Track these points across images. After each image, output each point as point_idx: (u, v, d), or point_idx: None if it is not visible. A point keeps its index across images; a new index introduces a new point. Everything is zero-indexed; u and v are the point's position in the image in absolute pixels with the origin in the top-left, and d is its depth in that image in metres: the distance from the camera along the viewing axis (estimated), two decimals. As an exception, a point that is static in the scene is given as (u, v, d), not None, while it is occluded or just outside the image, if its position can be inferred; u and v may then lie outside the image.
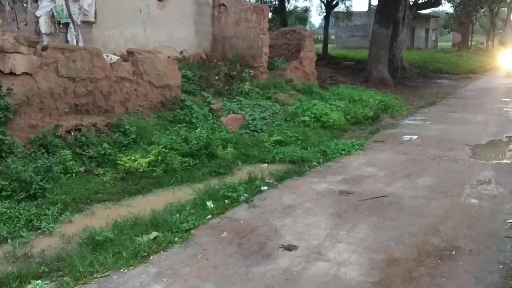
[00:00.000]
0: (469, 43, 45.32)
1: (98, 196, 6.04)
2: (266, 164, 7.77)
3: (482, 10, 43.83)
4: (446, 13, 46.84)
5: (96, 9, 9.46)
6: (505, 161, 8.08)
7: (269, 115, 10.24)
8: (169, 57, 9.98)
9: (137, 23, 10.80)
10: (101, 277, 4.01)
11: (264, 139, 8.83)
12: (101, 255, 4.31)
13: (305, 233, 5.01)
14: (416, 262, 4.37)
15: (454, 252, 4.56)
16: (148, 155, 7.05)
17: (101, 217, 5.35)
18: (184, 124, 8.47)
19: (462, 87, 19.98)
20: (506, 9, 53.13)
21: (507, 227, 5.16)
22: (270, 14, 17.22)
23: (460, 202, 6.00)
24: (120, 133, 7.63)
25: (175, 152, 7.29)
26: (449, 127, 11.08)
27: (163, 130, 8.13)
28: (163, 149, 7.20)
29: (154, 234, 4.79)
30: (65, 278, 3.96)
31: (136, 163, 6.86)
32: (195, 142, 7.64)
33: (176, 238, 4.79)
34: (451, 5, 41.84)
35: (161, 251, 4.53)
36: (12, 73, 6.68)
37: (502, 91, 18.30)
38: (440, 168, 7.63)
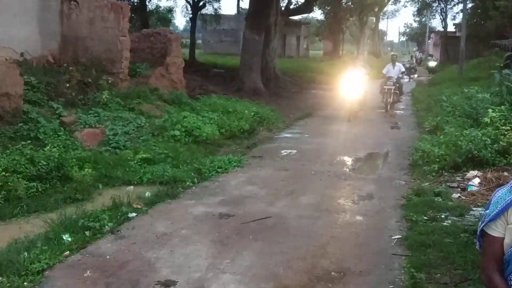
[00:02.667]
0: (341, 52, 49.05)
1: None
2: (132, 187, 7.52)
3: (352, 19, 47.84)
4: (317, 20, 50.30)
5: None
6: (384, 174, 8.81)
7: (133, 129, 9.95)
8: (6, 59, 9.21)
9: (-37, 17, 9.81)
10: None
11: (129, 157, 8.54)
12: None
13: (184, 265, 4.91)
14: (307, 289, 4.52)
15: (344, 274, 4.81)
16: (-17, 181, 6.38)
17: None
18: (29, 141, 7.81)
19: (336, 98, 21.42)
20: (374, 18, 58.78)
21: (393, 244, 5.59)
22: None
23: (345, 220, 6.39)
24: None
25: (18, 175, 6.70)
26: (327, 140, 11.81)
27: (2, 149, 7.43)
28: (3, 173, 6.57)
29: (-4, 280, 4.32)
30: None
31: (-34, 191, 6.17)
32: (44, 163, 7.11)
33: (25, 283, 4.36)
34: (322, 12, 45.05)
35: (7, 301, 4.10)
36: None
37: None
38: (322, 184, 8.06)
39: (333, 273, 4.84)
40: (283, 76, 24.40)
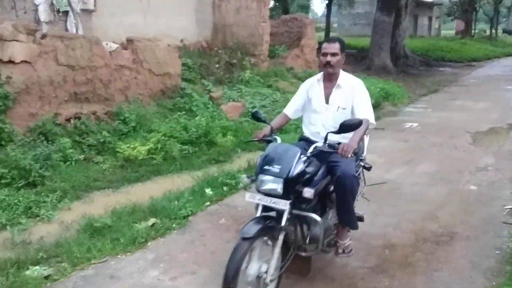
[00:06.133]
0: (473, 31, 44.89)
1: (97, 183, 6.01)
2: (265, 152, 7.73)
3: (486, -3, 43.39)
4: (450, 0, 46.43)
5: (95, -3, 9.41)
6: (505, 147, 8.04)
7: (269, 103, 10.19)
8: (169, 45, 9.92)
9: (137, 12, 10.73)
10: (99, 262, 4.02)
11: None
12: (99, 241, 4.31)
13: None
14: (412, 248, 4.36)
15: (451, 238, 4.55)
16: (148, 143, 7.03)
17: (100, 204, 5.33)
18: (184, 112, 8.44)
19: (464, 75, 19.85)
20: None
21: (505, 213, 5.14)
22: (271, 2, 17.12)
23: (458, 189, 5.99)
24: (120, 121, 7.61)
25: (174, 140, 7.27)
26: (450, 115, 11.02)
27: (163, 118, 8.11)
28: (163, 137, 7.17)
29: (152, 220, 4.80)
30: (63, 264, 3.95)
31: (135, 151, 6.85)
32: (195, 130, 7.61)
33: (174, 225, 4.80)
34: (455, -8, 41.47)
35: (159, 237, 4.54)
36: (11, 61, 6.61)
37: (505, 79, 18.17)
38: (440, 155, 7.60)
39: (440, 236, 4.61)
40: (412, 55, 23.09)
